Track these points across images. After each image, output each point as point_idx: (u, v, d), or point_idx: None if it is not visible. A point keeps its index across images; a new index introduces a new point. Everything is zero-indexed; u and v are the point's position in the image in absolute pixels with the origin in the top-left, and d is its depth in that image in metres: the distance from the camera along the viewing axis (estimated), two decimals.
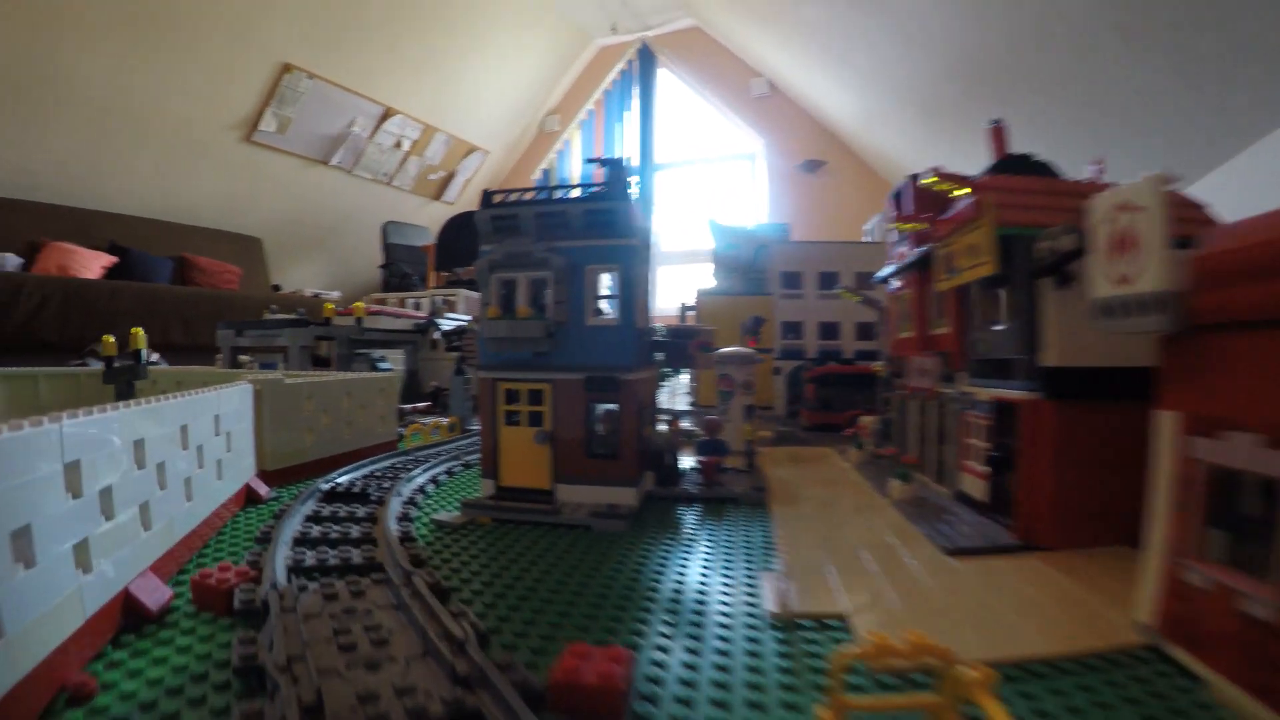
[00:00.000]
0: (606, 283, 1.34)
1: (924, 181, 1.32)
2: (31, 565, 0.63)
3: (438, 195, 8.02)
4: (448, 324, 3.26)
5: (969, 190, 1.24)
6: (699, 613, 0.88)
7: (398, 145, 7.13)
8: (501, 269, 1.33)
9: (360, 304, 2.97)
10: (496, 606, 0.89)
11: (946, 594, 0.93)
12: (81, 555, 0.73)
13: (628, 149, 7.91)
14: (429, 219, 7.35)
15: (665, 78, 7.99)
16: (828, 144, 7.19)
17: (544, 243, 1.31)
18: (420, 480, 1.53)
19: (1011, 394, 1.16)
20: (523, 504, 1.29)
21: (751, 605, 0.90)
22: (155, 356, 3.53)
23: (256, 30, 5.53)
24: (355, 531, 1.13)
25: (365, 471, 1.59)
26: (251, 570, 0.92)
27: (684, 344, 1.56)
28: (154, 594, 0.86)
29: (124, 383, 1.73)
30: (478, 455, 1.75)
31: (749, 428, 1.74)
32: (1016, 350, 1.16)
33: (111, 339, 1.74)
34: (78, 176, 5.43)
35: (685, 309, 3.11)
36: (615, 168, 1.36)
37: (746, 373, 1.85)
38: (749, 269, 3.33)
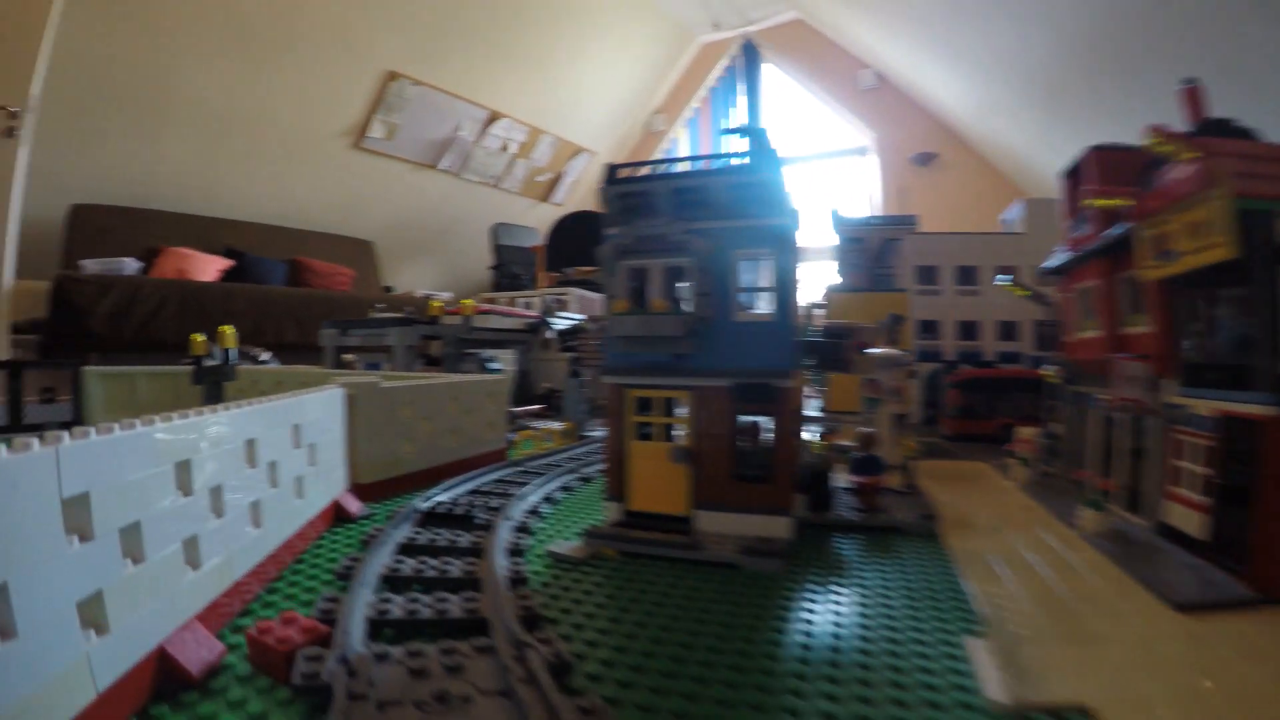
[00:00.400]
0: (756, 271, 1.09)
1: (1148, 141, 1.03)
2: (10, 635, 0.45)
3: (546, 197, 7.91)
4: (561, 323, 3.06)
5: (1196, 155, 0.97)
6: (901, 700, 0.64)
7: (504, 148, 7.05)
8: (631, 255, 1.09)
9: (469, 301, 2.78)
10: (633, 687, 0.66)
11: (1197, 669, 0.69)
12: (92, 612, 0.55)
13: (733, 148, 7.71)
14: (538, 220, 7.21)
15: (770, 73, 7.69)
16: (940, 135, 6.82)
17: (682, 223, 1.06)
18: (533, 499, 1.31)
19: (1247, 409, 0.89)
20: (655, 534, 1.05)
21: (961, 684, 0.67)
22: (267, 355, 3.53)
23: (360, 40, 5.58)
24: (456, 568, 0.91)
25: (470, 487, 1.38)
26: (321, 625, 0.70)
27: (839, 344, 1.31)
28: (198, 650, 0.66)
29: (212, 383, 1.55)
30: (598, 468, 1.54)
31: (908, 441, 1.47)
32: (1254, 354, 0.90)
33: (201, 337, 1.56)
34: (195, 185, 5.55)
35: (813, 307, 2.84)
36: (759, 137, 1.10)
37: (896, 377, 1.58)
38: (876, 263, 3.06)
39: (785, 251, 1.06)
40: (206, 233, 5.55)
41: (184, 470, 0.71)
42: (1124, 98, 4.16)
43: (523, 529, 1.14)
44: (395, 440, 1.40)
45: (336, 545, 1.07)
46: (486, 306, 3.39)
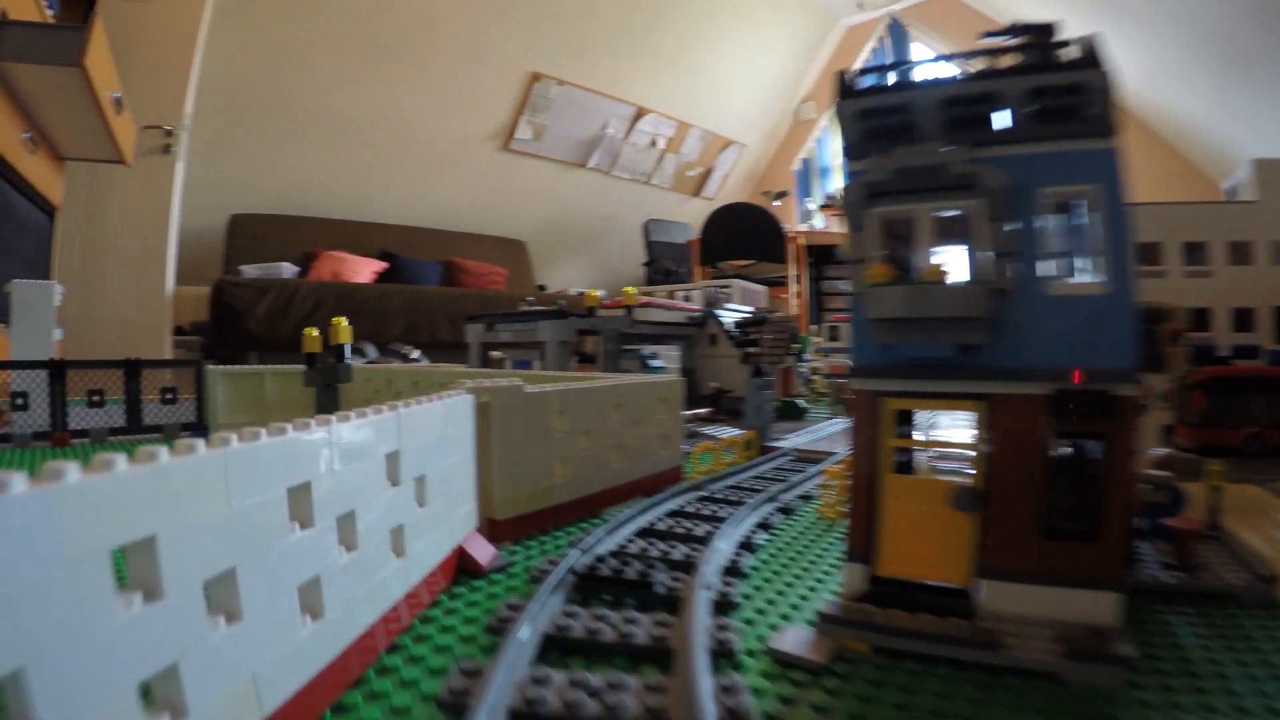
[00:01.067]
0: (1074, 219, 0.66)
1: None
2: None
3: (697, 191, 7.62)
4: (729, 315, 2.67)
5: None
6: None
7: (653, 144, 6.82)
8: (887, 198, 0.68)
9: (631, 289, 2.42)
10: None
11: None
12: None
13: None
14: (690, 215, 6.88)
15: (920, 52, 7.23)
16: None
17: (963, 149, 0.64)
18: (728, 545, 0.90)
19: None
20: (923, 617, 0.62)
21: None
22: (417, 354, 3.51)
23: (502, 44, 5.54)
24: (631, 694, 0.53)
25: (640, 523, 0.99)
26: None
27: (1152, 331, 0.86)
28: None
29: (323, 385, 1.22)
30: (798, 492, 1.15)
31: (1214, 466, 0.98)
32: None
33: (314, 333, 1.23)
34: (348, 192, 5.62)
35: None
36: (1045, 34, 0.69)
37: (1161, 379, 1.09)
38: None
39: (1115, 188, 0.62)
40: (360, 237, 5.59)
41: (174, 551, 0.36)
42: None
43: (724, 601, 0.74)
44: (543, 461, 1.03)
45: (451, 623, 0.70)
46: (645, 300, 3.04)
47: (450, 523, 0.80)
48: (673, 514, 1.05)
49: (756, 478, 1.32)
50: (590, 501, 1.10)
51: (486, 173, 6.17)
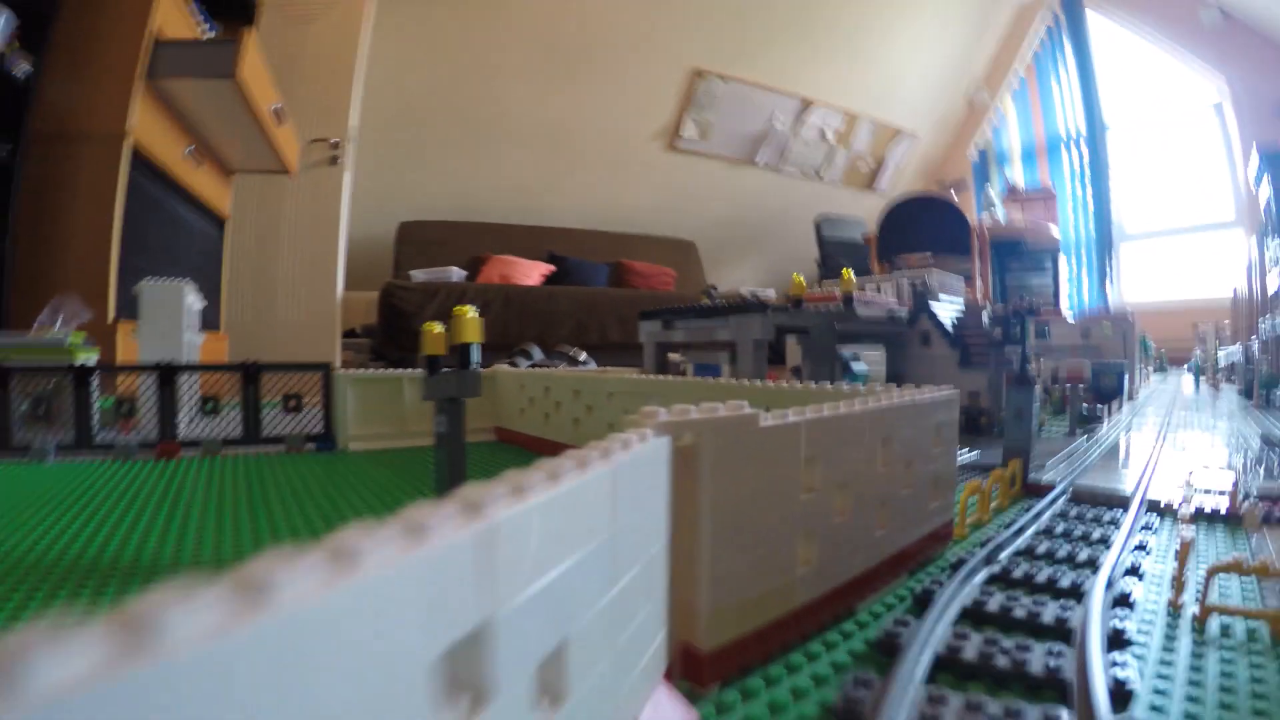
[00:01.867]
0: None
1: None
2: None
3: (869, 185, 7.10)
4: (945, 308, 2.17)
5: None
6: None
7: (822, 137, 6.40)
8: None
9: (849, 273, 1.94)
10: None
11: None
12: None
13: (1070, 114, 6.85)
14: (863, 211, 6.32)
15: (1097, 24, 6.61)
16: None
17: None
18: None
19: None
20: None
21: None
22: (584, 356, 3.38)
23: (663, 42, 5.38)
24: None
25: (935, 648, 0.53)
26: None
27: None
28: None
29: (445, 399, 0.83)
30: (1120, 567, 0.68)
31: None
32: None
33: (438, 328, 0.84)
34: (515, 197, 5.59)
35: None
36: None
37: None
38: None
39: None
40: (528, 240, 5.52)
41: None
42: None
43: None
44: (783, 540, 0.57)
45: None
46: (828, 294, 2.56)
47: (624, 676, 0.38)
48: (972, 612, 0.59)
49: (1047, 534, 0.88)
50: (841, 594, 0.64)
51: (652, 173, 5.95)
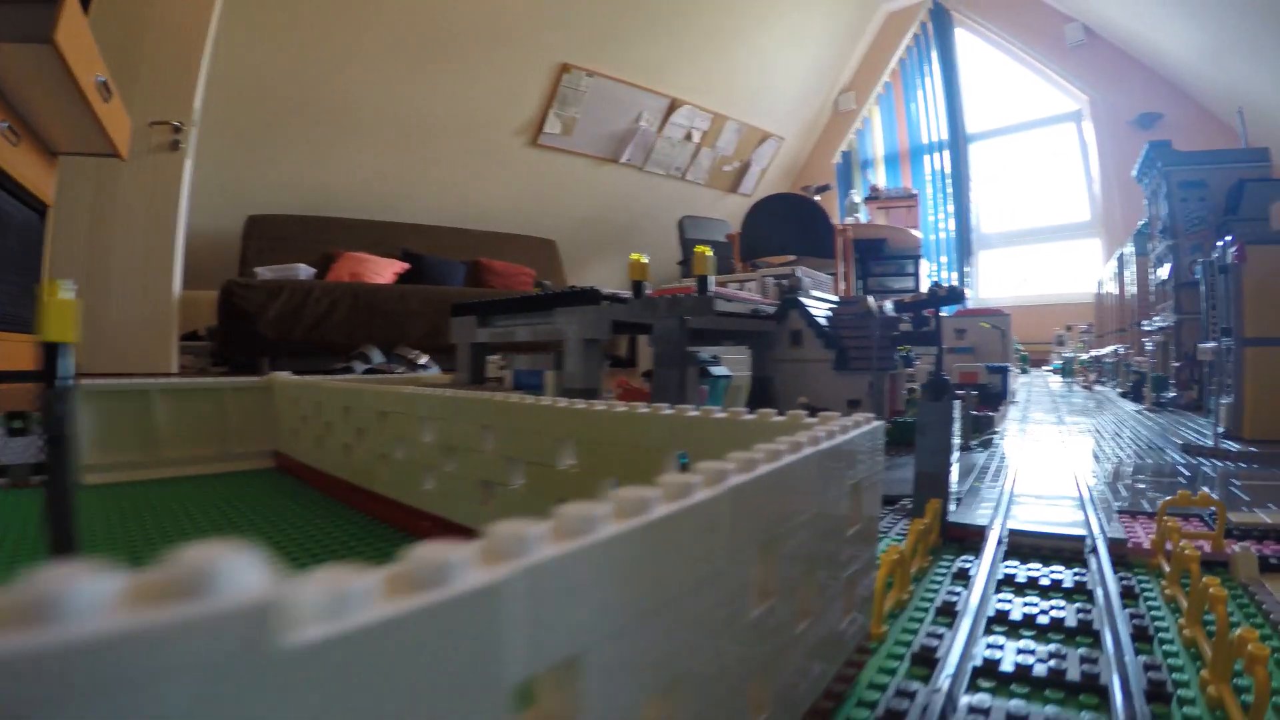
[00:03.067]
0: None
1: None
2: None
3: (733, 187, 6.89)
4: (818, 304, 1.83)
5: None
6: None
7: (688, 137, 6.12)
8: None
9: (705, 250, 1.54)
10: None
11: None
12: None
13: (934, 122, 6.94)
14: (727, 213, 6.19)
15: (964, 38, 6.69)
16: (1163, 92, 5.63)
17: None
18: None
19: None
20: None
21: None
22: (424, 359, 3.21)
23: (530, 33, 5.05)
24: None
25: None
26: None
27: None
28: None
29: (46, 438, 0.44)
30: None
31: None
32: None
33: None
34: (370, 191, 5.21)
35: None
36: None
37: None
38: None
39: None
40: (383, 237, 5.15)
41: None
42: None
43: None
44: None
45: None
46: (679, 288, 2.22)
47: None
48: None
49: (1015, 631, 0.60)
50: None
51: (514, 169, 5.59)
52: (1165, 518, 0.83)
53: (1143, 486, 1.28)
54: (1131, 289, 3.80)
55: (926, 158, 6.91)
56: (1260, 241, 1.82)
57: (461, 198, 5.47)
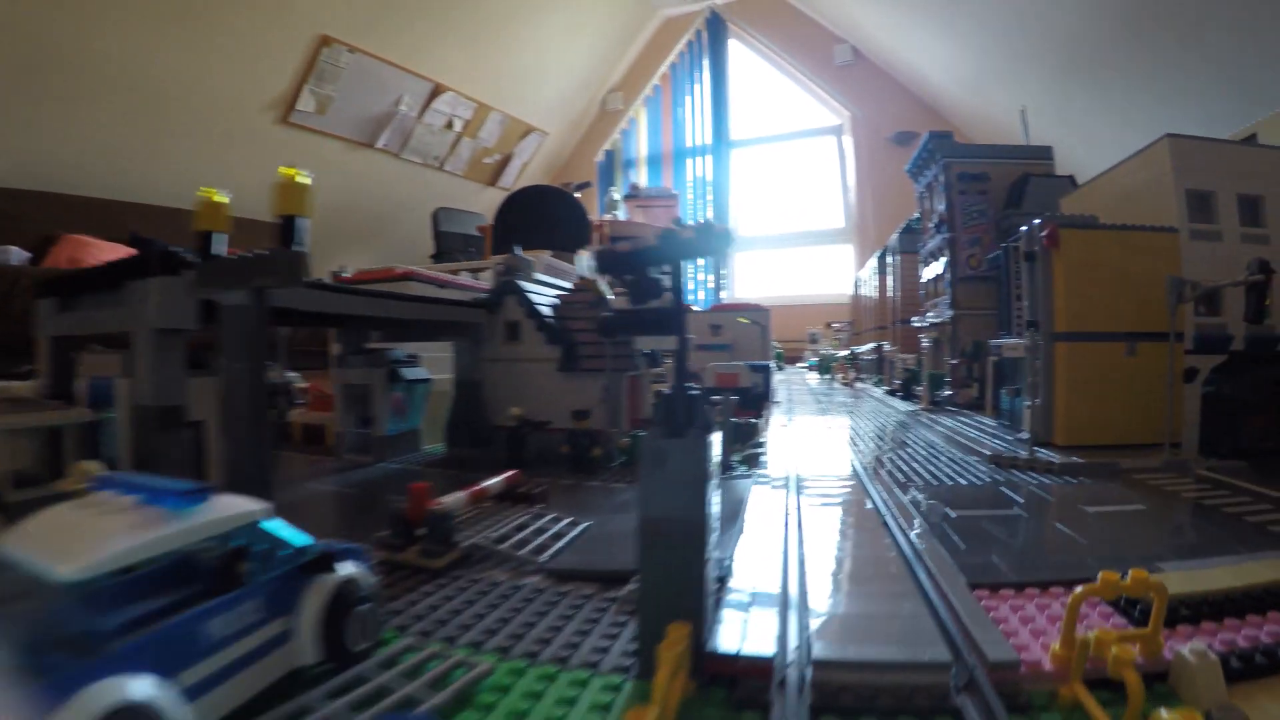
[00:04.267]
0: None
1: None
2: None
3: (493, 180, 6.67)
4: (543, 293, 1.53)
5: None
6: None
7: (449, 125, 5.83)
8: None
9: (291, 173, 1.18)
10: None
11: None
12: None
13: (699, 127, 7.11)
14: (485, 206, 5.98)
15: (737, 49, 6.82)
16: (922, 114, 5.98)
17: None
18: None
19: None
20: None
21: None
22: None
23: (290, 0, 4.61)
24: None
25: None
26: None
27: None
28: None
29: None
30: None
31: None
32: None
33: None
34: (100, 166, 4.56)
35: None
36: None
37: None
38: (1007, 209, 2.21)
39: None
40: (111, 218, 4.53)
41: None
42: (1169, 69, 3.34)
43: None
44: None
45: None
46: (406, 270, 1.88)
47: None
48: None
49: None
50: None
51: (261, 149, 5.04)
52: (1079, 615, 0.57)
53: (977, 522, 1.01)
54: (896, 287, 3.92)
55: (689, 161, 7.03)
56: (1074, 225, 1.63)
57: (201, 177, 4.74)
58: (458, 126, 5.82)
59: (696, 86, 6.87)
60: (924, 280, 3.21)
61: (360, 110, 5.30)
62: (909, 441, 1.80)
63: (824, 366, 4.64)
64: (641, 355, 1.61)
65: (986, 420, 2.07)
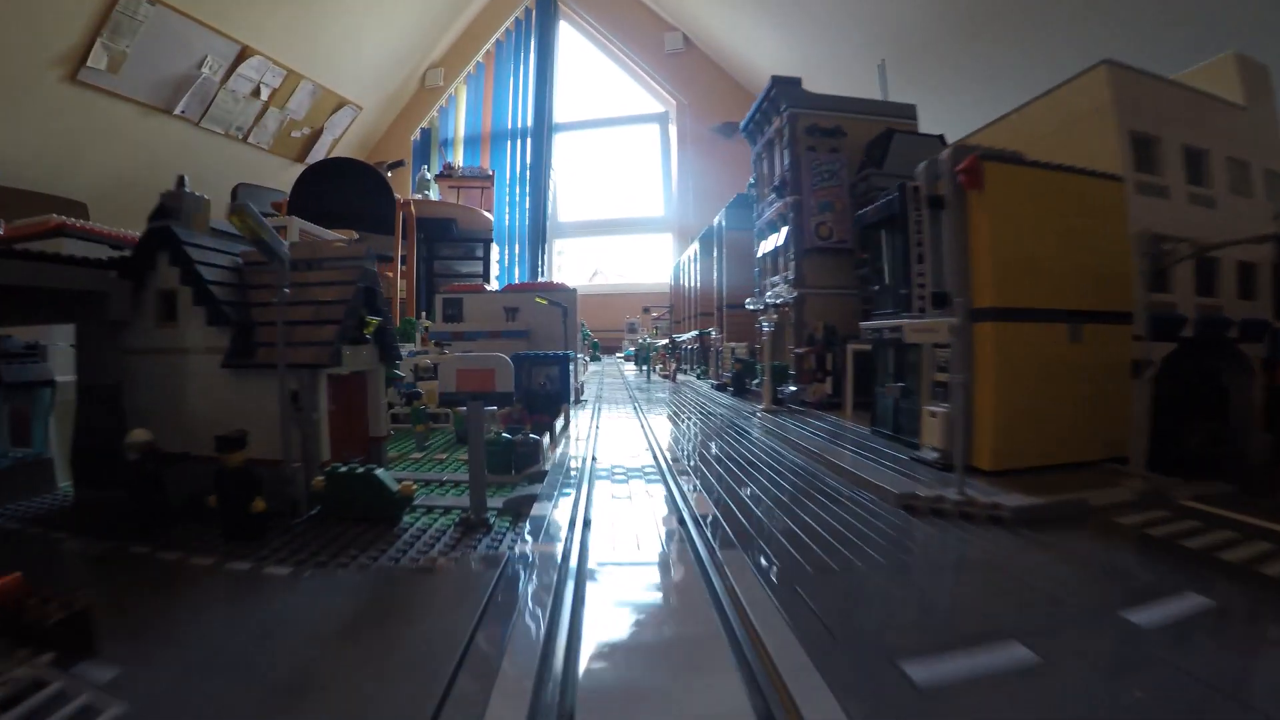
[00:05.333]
0: None
1: None
2: None
3: (301, 156, 6.15)
4: (220, 251, 1.19)
5: None
6: None
7: (255, 93, 5.33)
8: None
9: None
10: None
11: None
12: None
13: (521, 108, 6.88)
14: (289, 184, 5.41)
15: (566, 31, 6.69)
16: (748, 105, 5.76)
17: None
18: None
19: None
20: None
21: None
22: None
23: None
24: None
25: None
26: None
27: None
28: None
29: None
30: None
31: None
32: None
33: None
34: None
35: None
36: None
37: None
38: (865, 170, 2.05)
39: None
40: None
41: None
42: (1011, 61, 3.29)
43: None
44: None
45: None
46: (61, 220, 1.54)
47: None
48: None
49: None
50: None
51: (42, 109, 4.49)
52: None
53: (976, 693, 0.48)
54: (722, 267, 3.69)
55: (509, 143, 6.84)
56: (1003, 159, 1.18)
57: None
58: (265, 95, 5.38)
59: (521, 67, 6.69)
60: (760, 254, 2.83)
61: (158, 71, 4.80)
62: (759, 464, 1.25)
63: (642, 357, 4.23)
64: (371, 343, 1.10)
65: (853, 426, 1.66)
